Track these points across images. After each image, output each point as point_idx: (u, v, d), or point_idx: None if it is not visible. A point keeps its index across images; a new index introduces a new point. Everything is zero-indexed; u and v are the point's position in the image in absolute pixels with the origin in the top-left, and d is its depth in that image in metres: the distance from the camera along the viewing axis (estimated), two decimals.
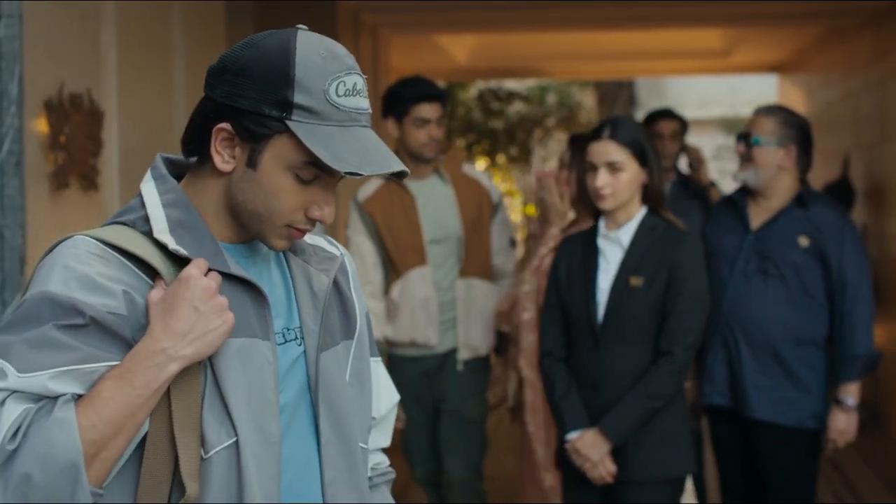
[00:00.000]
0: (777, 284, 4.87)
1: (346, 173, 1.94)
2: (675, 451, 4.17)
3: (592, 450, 4.09)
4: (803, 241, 4.87)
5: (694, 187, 6.70)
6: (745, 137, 4.93)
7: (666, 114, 7.25)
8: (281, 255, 2.17)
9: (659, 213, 4.23)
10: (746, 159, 4.93)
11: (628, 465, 4.12)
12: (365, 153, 1.97)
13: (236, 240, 2.10)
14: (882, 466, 7.95)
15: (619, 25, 10.87)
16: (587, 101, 17.65)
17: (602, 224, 4.27)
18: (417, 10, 9.69)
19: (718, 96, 19.02)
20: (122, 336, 1.94)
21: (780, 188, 4.94)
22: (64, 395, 1.87)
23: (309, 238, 2.20)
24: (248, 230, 2.07)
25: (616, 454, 4.11)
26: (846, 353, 4.86)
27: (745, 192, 5.06)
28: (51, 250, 2.00)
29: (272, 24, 7.74)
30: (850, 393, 4.86)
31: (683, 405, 4.26)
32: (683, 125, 7.10)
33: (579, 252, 4.29)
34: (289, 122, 1.96)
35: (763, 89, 17.59)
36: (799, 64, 12.69)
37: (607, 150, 4.14)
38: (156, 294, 1.96)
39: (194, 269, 1.96)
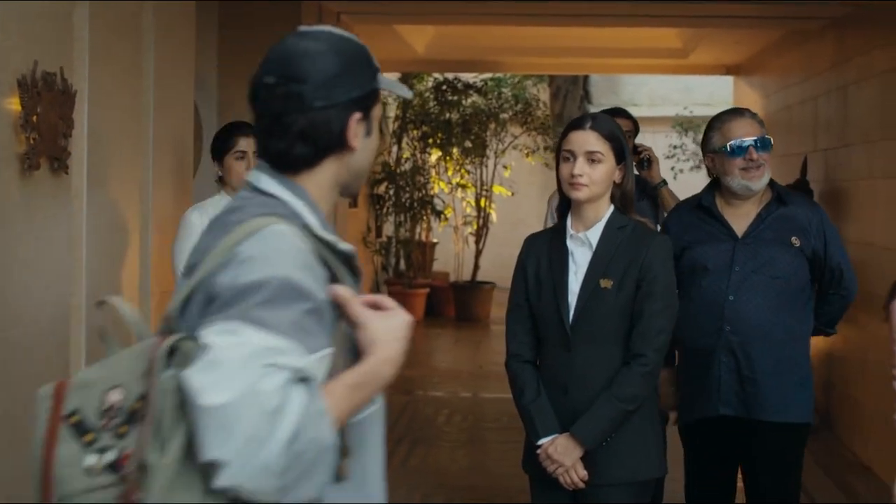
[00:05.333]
0: (775, 286, 4.86)
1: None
2: (645, 455, 4.12)
3: (565, 455, 4.03)
4: (795, 241, 4.89)
5: (644, 186, 6.68)
6: (759, 143, 4.88)
7: (620, 112, 7.24)
8: None
9: (627, 213, 4.19)
10: (758, 165, 4.89)
11: (599, 468, 4.06)
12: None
13: None
14: (832, 467, 8.00)
15: (578, 22, 10.87)
16: (543, 96, 17.65)
17: (569, 224, 4.20)
18: None
19: (672, 95, 19.06)
20: (328, 322, 2.16)
21: (764, 189, 4.96)
22: (315, 379, 2.06)
23: None
24: (344, 195, 2.46)
25: (587, 457, 4.05)
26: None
27: (713, 197, 5.04)
28: (252, 234, 2.16)
29: (239, 6, 7.68)
30: None
31: (655, 408, 4.22)
32: (636, 125, 7.11)
33: (546, 253, 4.21)
34: (379, 86, 2.39)
35: (717, 90, 17.67)
36: (756, 66, 12.74)
37: (588, 140, 4.08)
38: (370, 314, 2.20)
39: (402, 309, 2.24)
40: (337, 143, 2.32)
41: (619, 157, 4.12)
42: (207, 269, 2.14)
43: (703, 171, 17.77)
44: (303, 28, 2.36)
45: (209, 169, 8.24)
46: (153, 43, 5.61)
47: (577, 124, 4.16)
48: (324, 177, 2.34)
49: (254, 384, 1.95)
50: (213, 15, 8.06)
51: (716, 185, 5.09)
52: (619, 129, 4.17)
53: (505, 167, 16.66)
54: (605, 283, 4.06)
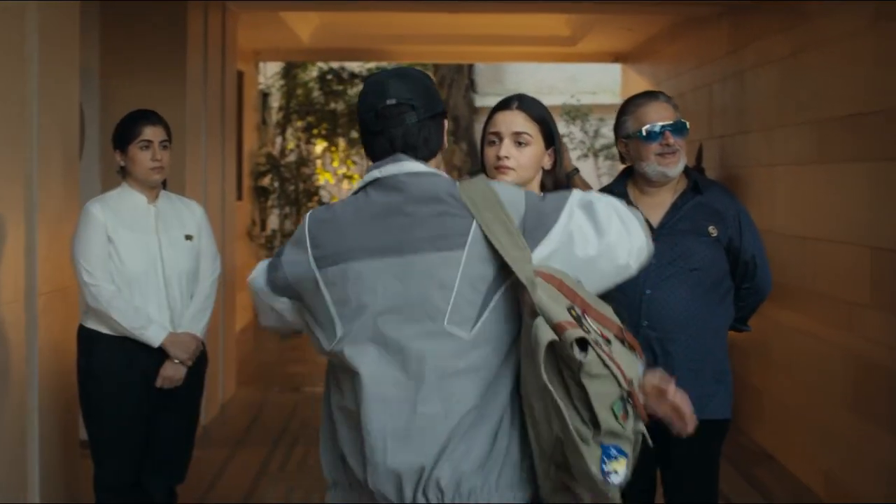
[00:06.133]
0: (693, 278, 4.65)
1: None
2: None
3: None
4: (713, 231, 4.68)
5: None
6: (675, 127, 4.68)
7: None
8: None
9: None
10: (673, 151, 4.70)
11: None
12: None
13: None
14: (742, 463, 7.94)
15: (464, 8, 10.70)
16: None
17: None
18: None
19: (558, 84, 19.01)
20: None
21: (679, 177, 4.76)
22: None
23: None
24: None
25: None
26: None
27: (625, 187, 4.83)
28: (487, 187, 3.04)
29: (123, 6, 7.38)
30: None
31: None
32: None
33: None
34: None
35: (603, 78, 17.67)
36: (646, 54, 12.70)
37: (515, 121, 3.84)
38: None
39: None
40: (440, 143, 3.17)
41: (549, 142, 3.90)
42: (501, 225, 2.98)
43: (591, 161, 17.82)
44: (394, 67, 3.28)
45: (91, 163, 7.96)
46: (37, 37, 5.32)
47: (503, 105, 3.92)
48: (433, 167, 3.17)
49: (620, 208, 3.18)
50: (95, 14, 7.81)
51: (628, 174, 4.90)
52: (547, 111, 3.95)
53: None
54: None
